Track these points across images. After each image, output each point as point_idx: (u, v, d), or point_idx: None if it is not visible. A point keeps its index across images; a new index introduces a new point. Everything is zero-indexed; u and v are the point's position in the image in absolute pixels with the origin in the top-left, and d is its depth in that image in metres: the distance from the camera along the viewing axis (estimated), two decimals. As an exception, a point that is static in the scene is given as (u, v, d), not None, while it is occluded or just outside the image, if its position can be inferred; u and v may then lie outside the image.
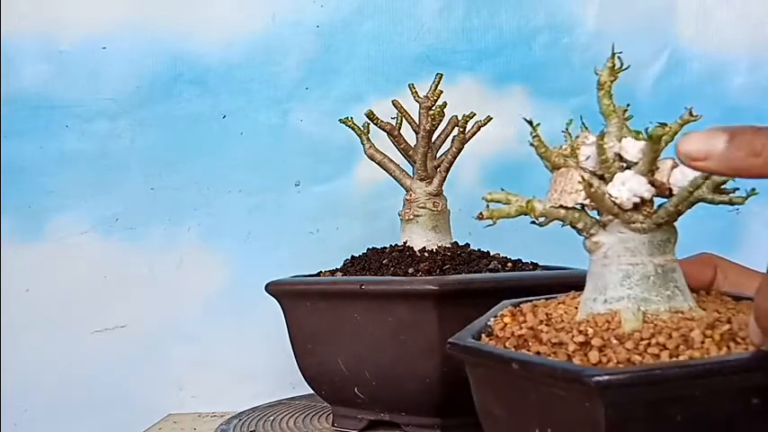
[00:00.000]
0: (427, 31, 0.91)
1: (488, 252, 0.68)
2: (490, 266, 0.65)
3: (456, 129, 0.69)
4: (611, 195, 0.38)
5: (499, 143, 0.88)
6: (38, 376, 0.89)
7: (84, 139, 0.91)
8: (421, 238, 0.68)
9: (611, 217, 0.39)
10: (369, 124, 0.71)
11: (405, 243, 0.68)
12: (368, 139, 0.71)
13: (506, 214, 0.39)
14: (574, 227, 0.40)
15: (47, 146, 0.91)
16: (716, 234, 0.86)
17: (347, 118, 0.71)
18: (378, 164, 0.71)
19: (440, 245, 0.68)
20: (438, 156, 0.70)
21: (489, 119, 0.70)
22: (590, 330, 0.37)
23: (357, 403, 0.64)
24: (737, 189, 0.38)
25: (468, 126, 0.69)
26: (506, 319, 0.42)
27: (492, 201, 0.39)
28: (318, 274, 0.70)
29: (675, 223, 0.39)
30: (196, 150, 0.91)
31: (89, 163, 0.91)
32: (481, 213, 0.39)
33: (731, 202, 0.38)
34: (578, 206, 0.39)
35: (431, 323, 0.58)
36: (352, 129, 0.71)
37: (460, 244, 0.69)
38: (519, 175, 0.85)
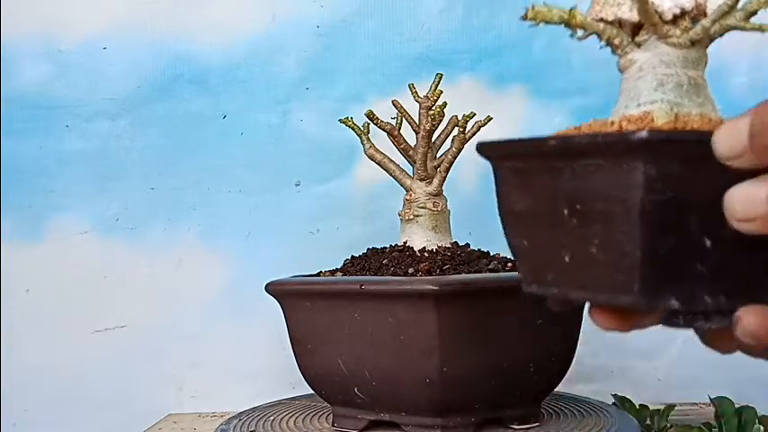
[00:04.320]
0: (427, 31, 0.91)
1: (488, 252, 0.68)
2: (490, 266, 0.65)
3: (456, 129, 0.70)
4: (653, 4, 0.39)
5: (499, 143, 0.88)
6: (38, 376, 0.90)
7: (84, 138, 0.91)
8: (421, 238, 0.68)
9: (646, 37, 0.40)
10: (369, 124, 0.71)
11: (405, 243, 0.68)
12: (368, 139, 0.71)
13: (549, 17, 0.40)
14: (610, 44, 0.41)
15: (47, 146, 0.91)
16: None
17: (347, 118, 0.71)
18: (378, 164, 0.71)
19: (440, 245, 0.68)
20: (438, 156, 0.70)
21: (489, 119, 0.70)
22: (624, 123, 0.38)
23: (357, 403, 0.64)
24: None
25: (468, 126, 0.69)
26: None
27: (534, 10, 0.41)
28: (318, 274, 0.70)
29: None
30: (196, 150, 0.91)
31: (89, 163, 0.91)
32: (525, 14, 0.40)
33: (762, 29, 0.40)
34: (617, 22, 0.40)
35: (431, 323, 0.58)
36: (352, 129, 0.71)
37: (460, 244, 0.69)
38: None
